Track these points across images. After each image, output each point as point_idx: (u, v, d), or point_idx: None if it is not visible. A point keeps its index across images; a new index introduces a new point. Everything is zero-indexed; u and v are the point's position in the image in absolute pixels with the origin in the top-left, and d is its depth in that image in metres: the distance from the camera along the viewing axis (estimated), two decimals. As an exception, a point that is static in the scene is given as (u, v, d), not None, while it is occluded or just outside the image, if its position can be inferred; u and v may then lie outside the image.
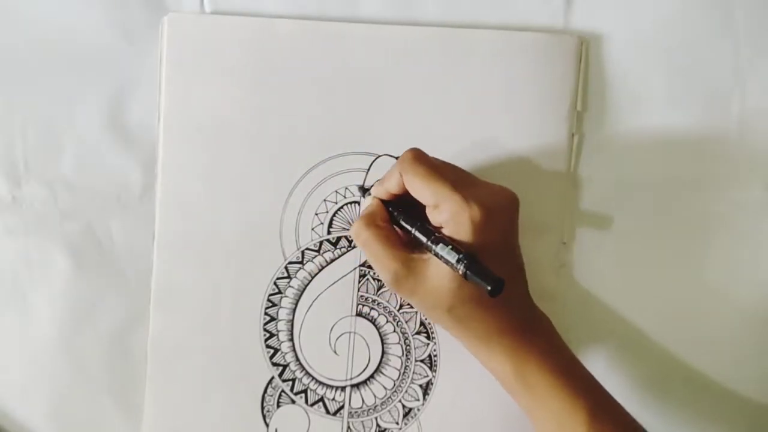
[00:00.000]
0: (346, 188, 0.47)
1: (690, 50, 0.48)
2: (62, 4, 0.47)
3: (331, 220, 0.48)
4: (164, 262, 0.47)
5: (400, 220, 0.43)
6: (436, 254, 0.40)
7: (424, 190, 0.41)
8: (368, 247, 0.43)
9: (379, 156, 0.47)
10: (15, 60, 0.47)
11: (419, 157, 0.42)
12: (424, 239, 0.41)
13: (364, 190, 0.47)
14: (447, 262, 0.39)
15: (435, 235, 0.40)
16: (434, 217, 0.41)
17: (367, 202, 0.46)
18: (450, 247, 0.39)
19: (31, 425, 0.48)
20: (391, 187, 0.43)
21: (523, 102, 0.47)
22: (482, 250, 0.39)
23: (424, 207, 0.42)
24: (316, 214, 0.47)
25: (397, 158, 0.47)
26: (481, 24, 0.48)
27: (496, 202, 0.41)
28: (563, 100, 0.48)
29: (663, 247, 0.49)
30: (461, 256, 0.38)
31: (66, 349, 0.48)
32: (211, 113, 0.47)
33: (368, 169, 0.47)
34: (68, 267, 0.48)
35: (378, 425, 0.48)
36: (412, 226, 0.42)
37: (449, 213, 0.40)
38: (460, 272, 0.38)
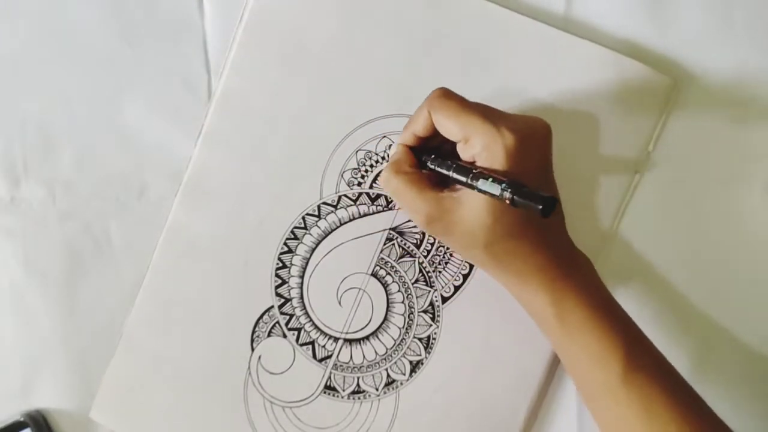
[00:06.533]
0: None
1: None
2: (61, 4, 0.47)
3: (377, 175, 0.47)
4: (202, 153, 0.47)
5: (431, 164, 0.42)
6: (479, 190, 0.38)
7: (454, 125, 0.40)
8: (399, 193, 0.42)
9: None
10: (15, 59, 0.47)
11: (447, 94, 0.41)
12: (463, 179, 0.39)
13: None
14: (491, 194, 0.37)
15: (473, 171, 0.38)
16: (466, 151, 0.40)
17: (392, 152, 0.44)
18: (491, 179, 0.37)
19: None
20: (417, 129, 0.42)
21: (599, 124, 0.47)
22: (520, 177, 0.38)
23: (453, 147, 0.41)
24: (364, 165, 0.47)
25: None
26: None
27: (528, 129, 0.40)
28: (638, 138, 0.47)
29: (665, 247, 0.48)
30: (504, 184, 0.36)
31: (64, 349, 0.48)
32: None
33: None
34: (66, 267, 0.48)
35: (358, 385, 0.48)
36: (447, 168, 0.40)
37: (481, 144, 0.39)
38: (507, 200, 0.36)
